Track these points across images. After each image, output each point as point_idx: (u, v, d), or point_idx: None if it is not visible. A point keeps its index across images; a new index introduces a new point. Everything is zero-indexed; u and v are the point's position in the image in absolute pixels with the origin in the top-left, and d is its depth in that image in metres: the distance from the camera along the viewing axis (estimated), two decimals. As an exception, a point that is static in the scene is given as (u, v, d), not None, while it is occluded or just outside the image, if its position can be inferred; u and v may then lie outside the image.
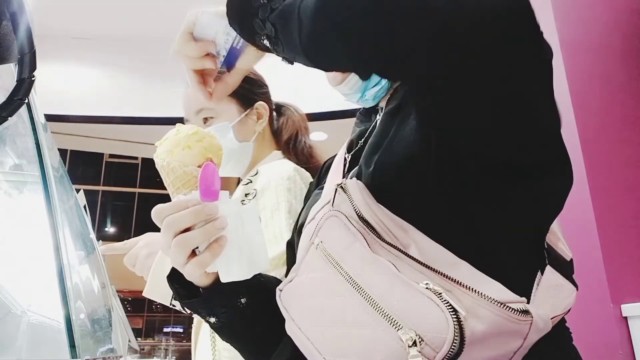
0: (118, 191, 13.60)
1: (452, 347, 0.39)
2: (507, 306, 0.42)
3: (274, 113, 1.17)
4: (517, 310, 0.42)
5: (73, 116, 4.29)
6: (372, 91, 0.69)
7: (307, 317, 0.52)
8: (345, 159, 0.72)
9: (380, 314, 0.43)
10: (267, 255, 0.61)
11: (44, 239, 1.02)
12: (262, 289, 0.64)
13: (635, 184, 1.57)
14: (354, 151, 0.71)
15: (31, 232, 1.07)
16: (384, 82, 0.68)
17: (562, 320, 0.56)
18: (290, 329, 0.54)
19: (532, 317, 0.43)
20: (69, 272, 1.01)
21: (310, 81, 4.14)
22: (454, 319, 0.40)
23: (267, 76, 1.12)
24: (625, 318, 1.40)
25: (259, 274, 0.64)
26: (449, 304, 0.41)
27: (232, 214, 0.59)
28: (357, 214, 0.52)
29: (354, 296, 0.46)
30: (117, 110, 4.36)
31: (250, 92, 1.08)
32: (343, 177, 0.68)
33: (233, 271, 0.58)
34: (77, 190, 1.74)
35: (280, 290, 0.59)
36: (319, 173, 0.85)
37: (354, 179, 0.58)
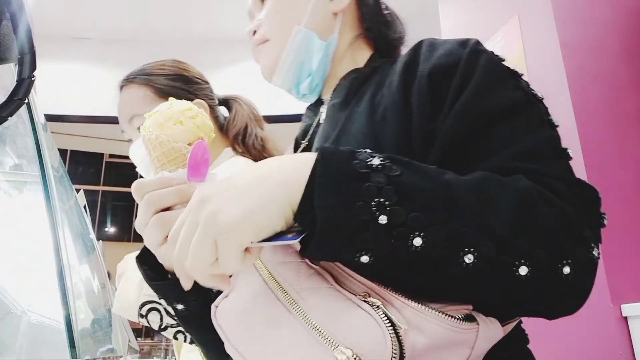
0: (118, 191, 13.59)
1: None
2: (451, 315, 0.39)
3: (220, 108, 1.11)
4: (461, 318, 0.39)
5: (73, 116, 4.30)
6: (306, 84, 0.69)
7: (243, 338, 0.48)
8: None
9: (316, 332, 0.40)
10: None
11: (44, 239, 1.02)
12: None
13: (635, 184, 1.57)
14: (299, 152, 0.70)
15: (31, 232, 1.07)
16: (316, 73, 0.68)
17: (518, 322, 0.54)
18: (228, 349, 0.50)
19: (478, 324, 0.40)
20: (69, 272, 1.01)
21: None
22: (391, 334, 0.37)
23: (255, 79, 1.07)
24: (625, 318, 1.40)
25: None
26: (386, 317, 0.38)
27: None
28: None
29: (289, 315, 0.43)
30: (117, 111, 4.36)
31: (183, 91, 1.02)
32: None
33: None
34: (77, 190, 1.74)
35: (216, 307, 0.53)
36: None
37: None
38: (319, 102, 0.73)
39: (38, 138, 1.16)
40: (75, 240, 1.32)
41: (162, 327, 0.75)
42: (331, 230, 0.38)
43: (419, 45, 0.59)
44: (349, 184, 0.38)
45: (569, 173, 0.48)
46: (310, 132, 0.71)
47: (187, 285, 0.46)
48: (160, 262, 0.56)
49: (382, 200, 0.38)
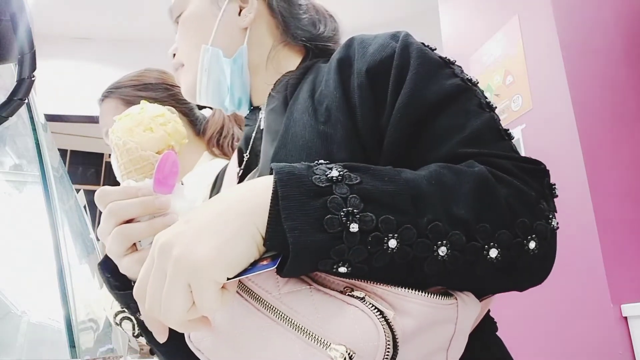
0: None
1: (387, 352, 0.36)
2: (431, 292, 0.40)
3: (202, 112, 1.10)
4: (441, 294, 0.41)
5: (73, 116, 4.29)
6: (228, 99, 0.69)
7: (226, 357, 0.46)
8: (238, 173, 0.69)
9: (306, 336, 0.39)
10: None
11: (44, 239, 1.02)
12: None
13: (635, 184, 1.57)
14: (243, 162, 0.70)
15: (31, 232, 1.07)
16: (236, 88, 0.68)
17: (487, 312, 0.54)
18: None
19: (456, 299, 0.41)
20: (69, 272, 1.01)
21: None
22: (382, 323, 0.37)
23: None
24: (625, 318, 1.40)
25: None
26: (374, 307, 0.38)
27: (186, 211, 0.53)
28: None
29: (275, 325, 0.42)
30: (117, 110, 4.36)
31: (150, 99, 1.03)
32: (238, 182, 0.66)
33: None
34: (77, 190, 1.74)
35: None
36: (212, 188, 0.80)
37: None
38: (256, 110, 0.72)
39: (38, 138, 1.16)
40: (75, 240, 1.32)
41: (136, 334, 0.74)
42: (305, 249, 0.37)
43: (350, 43, 0.60)
44: (313, 200, 0.38)
45: (513, 152, 0.49)
46: (252, 140, 0.70)
47: (161, 337, 0.44)
48: (122, 272, 0.54)
49: (349, 209, 0.38)
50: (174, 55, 0.73)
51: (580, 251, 1.53)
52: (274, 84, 0.67)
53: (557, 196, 0.48)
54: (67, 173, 1.56)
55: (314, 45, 0.70)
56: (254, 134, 0.70)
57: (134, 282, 0.53)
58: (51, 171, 1.13)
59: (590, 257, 1.49)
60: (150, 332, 0.55)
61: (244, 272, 0.39)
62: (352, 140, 0.52)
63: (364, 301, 0.39)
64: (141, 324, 0.59)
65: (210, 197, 0.79)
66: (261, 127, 0.68)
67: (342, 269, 0.39)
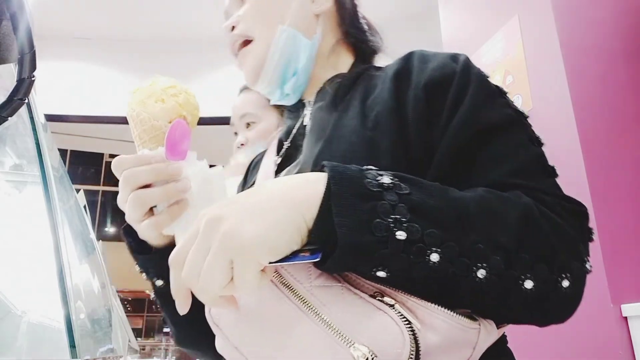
0: (118, 191, 13.59)
1: None
2: (459, 313, 0.40)
3: None
4: (467, 317, 0.41)
5: (73, 116, 4.29)
6: (291, 83, 0.68)
7: (247, 339, 0.47)
8: (275, 162, 0.70)
9: (331, 330, 0.40)
10: None
11: (44, 239, 1.02)
12: None
13: (635, 184, 1.57)
14: (282, 152, 0.70)
15: (31, 232, 1.07)
16: (301, 73, 0.68)
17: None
18: (222, 347, 0.49)
19: (479, 324, 0.41)
20: (69, 272, 1.01)
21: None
22: (409, 332, 0.38)
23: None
24: (625, 318, 1.40)
25: None
26: (403, 316, 0.39)
27: (197, 176, 0.55)
28: None
29: (302, 314, 0.43)
30: (117, 110, 4.36)
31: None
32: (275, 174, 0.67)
33: None
34: (77, 190, 1.74)
35: (209, 310, 0.52)
36: (246, 174, 0.82)
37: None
38: (299, 104, 0.73)
39: (38, 138, 1.16)
40: (75, 240, 1.32)
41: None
42: (351, 247, 0.38)
43: (410, 56, 0.61)
44: (364, 202, 0.39)
45: (558, 189, 0.51)
46: (294, 132, 0.71)
47: (183, 309, 0.44)
48: (141, 237, 0.57)
49: (397, 217, 0.38)
50: (232, 28, 0.71)
51: (580, 251, 1.52)
52: (324, 82, 0.68)
53: (592, 240, 0.49)
54: (67, 173, 1.56)
55: (363, 50, 0.72)
56: (296, 128, 0.71)
57: (154, 249, 0.58)
58: (51, 171, 1.13)
59: (590, 257, 1.49)
60: (167, 300, 0.58)
61: (285, 259, 0.39)
62: (398, 151, 0.52)
63: (394, 309, 0.39)
64: (159, 291, 0.61)
65: (245, 181, 0.80)
66: (304, 123, 0.69)
67: (381, 274, 0.40)
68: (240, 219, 0.38)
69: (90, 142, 5.71)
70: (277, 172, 0.68)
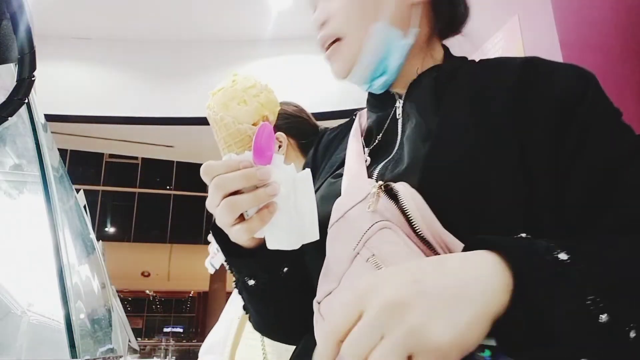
0: (118, 191, 13.59)
1: None
2: None
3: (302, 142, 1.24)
4: None
5: (73, 116, 4.29)
6: (380, 81, 0.65)
7: None
8: (364, 151, 0.66)
9: None
10: (317, 226, 0.54)
11: (44, 239, 1.02)
12: (305, 262, 0.62)
13: (635, 184, 1.57)
14: (373, 145, 0.66)
15: (31, 232, 1.07)
16: (391, 70, 0.64)
17: None
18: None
19: None
20: (69, 272, 1.01)
21: (304, 83, 4.15)
22: None
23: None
24: (625, 318, 1.40)
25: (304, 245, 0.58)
26: None
27: (286, 180, 0.54)
28: (414, 230, 0.48)
29: None
30: (117, 110, 4.36)
31: (281, 126, 1.19)
32: (368, 173, 0.62)
33: (281, 240, 0.54)
34: (77, 190, 1.74)
35: (319, 303, 0.55)
36: (315, 150, 0.78)
37: (403, 183, 0.52)
38: (386, 95, 0.68)
39: (38, 138, 1.16)
40: (75, 240, 1.32)
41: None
42: (565, 336, 0.36)
43: (531, 65, 0.58)
44: (561, 287, 0.37)
45: None
46: (385, 126, 0.66)
47: None
48: (232, 240, 0.57)
49: (593, 297, 0.36)
50: (322, 25, 0.67)
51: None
52: (419, 75, 0.64)
53: None
54: (67, 173, 1.56)
55: (447, 24, 0.68)
56: (388, 121, 0.66)
57: (244, 250, 0.59)
58: (51, 171, 1.13)
59: None
60: (255, 297, 0.63)
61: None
62: (516, 163, 0.50)
63: None
64: (250, 288, 0.62)
65: (315, 157, 0.76)
66: (397, 117, 0.65)
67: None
68: (431, 313, 0.34)
69: (90, 142, 5.70)
70: (371, 165, 0.64)
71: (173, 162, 10.71)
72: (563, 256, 0.38)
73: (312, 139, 1.15)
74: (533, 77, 0.55)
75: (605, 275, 0.39)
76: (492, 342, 0.36)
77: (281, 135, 1.18)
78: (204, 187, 0.71)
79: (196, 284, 13.85)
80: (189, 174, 12.54)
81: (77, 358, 0.89)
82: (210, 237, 1.08)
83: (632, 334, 0.36)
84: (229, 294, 1.38)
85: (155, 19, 4.29)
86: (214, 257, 1.26)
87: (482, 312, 0.35)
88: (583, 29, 1.73)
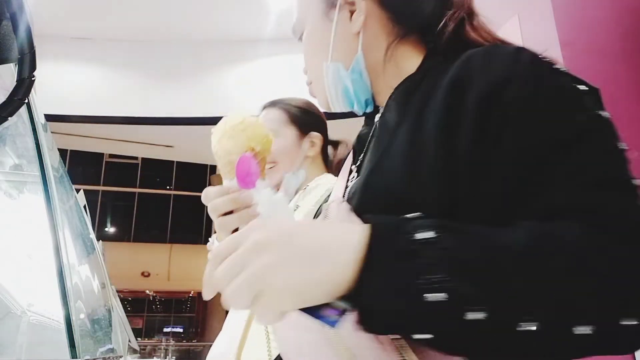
0: (118, 191, 13.59)
1: None
2: None
3: (329, 146, 1.34)
4: None
5: (73, 116, 4.30)
6: (357, 107, 0.68)
7: (293, 351, 0.52)
8: (351, 169, 0.70)
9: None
10: None
11: (44, 239, 1.02)
12: None
13: (635, 184, 1.57)
14: (358, 162, 0.69)
15: (31, 232, 1.07)
16: (359, 97, 0.67)
17: None
18: None
19: None
20: (69, 272, 1.01)
21: (304, 83, 4.13)
22: None
23: (261, 80, 1.14)
24: (625, 318, 1.40)
25: None
26: None
27: (265, 201, 0.63)
28: None
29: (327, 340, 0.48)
30: (117, 110, 4.36)
31: (308, 122, 1.28)
32: (346, 186, 0.67)
33: None
34: (77, 190, 1.74)
35: None
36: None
37: (335, 204, 0.57)
38: (376, 110, 0.70)
39: (38, 138, 1.16)
40: (75, 240, 1.32)
41: None
42: (385, 313, 0.39)
43: (468, 59, 0.54)
44: (403, 262, 0.39)
45: (636, 211, 0.44)
46: (367, 142, 0.69)
47: (208, 297, 0.48)
48: None
49: (439, 276, 0.38)
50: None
51: (580, 251, 1.52)
52: (395, 88, 0.63)
53: None
54: (67, 173, 1.56)
55: (434, 39, 0.63)
56: (368, 139, 0.69)
57: None
58: (51, 171, 1.13)
59: None
60: None
61: (307, 309, 0.41)
62: (449, 170, 0.49)
63: None
64: None
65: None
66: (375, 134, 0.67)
67: (425, 336, 0.39)
68: (281, 262, 0.39)
69: (90, 142, 5.71)
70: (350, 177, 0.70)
71: (173, 162, 10.70)
72: (427, 235, 0.39)
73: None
74: (467, 73, 0.52)
75: (462, 257, 0.39)
76: (344, 305, 0.40)
77: (316, 135, 1.25)
78: (204, 187, 0.74)
79: (196, 284, 13.83)
80: (189, 174, 12.54)
81: (77, 358, 0.89)
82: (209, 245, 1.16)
83: (480, 316, 0.37)
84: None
85: (155, 19, 4.29)
86: None
87: (327, 275, 0.39)
88: (583, 29, 1.73)
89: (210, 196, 0.67)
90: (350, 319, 0.40)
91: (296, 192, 1.25)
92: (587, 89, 0.51)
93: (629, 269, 0.40)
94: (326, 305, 0.40)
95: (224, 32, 4.36)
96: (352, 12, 0.65)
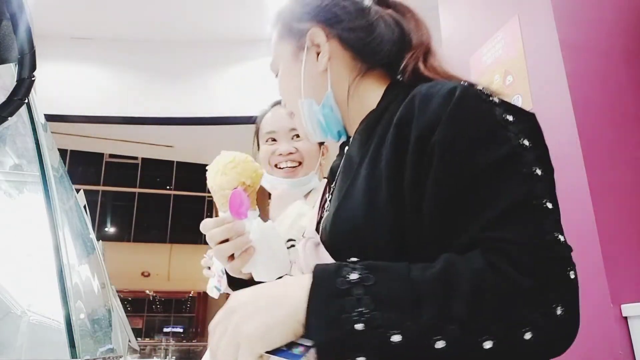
0: (118, 191, 13.59)
1: None
2: None
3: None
4: None
5: (73, 116, 4.29)
6: (329, 138, 0.76)
7: None
8: (326, 199, 0.76)
9: None
10: (288, 261, 0.78)
11: (44, 239, 1.02)
12: None
13: (635, 184, 1.57)
14: (332, 190, 0.73)
15: (31, 232, 1.07)
16: (331, 130, 0.73)
17: None
18: None
19: None
20: (69, 272, 1.01)
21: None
22: None
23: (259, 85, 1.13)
24: (625, 318, 1.40)
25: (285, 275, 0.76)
26: None
27: (256, 229, 0.76)
28: None
29: None
30: (117, 110, 4.36)
31: None
32: (321, 216, 0.74)
33: (261, 273, 0.77)
34: (77, 190, 1.74)
35: None
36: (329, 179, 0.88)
37: (304, 242, 0.67)
38: (349, 140, 0.74)
39: (38, 138, 1.16)
40: (75, 240, 1.32)
41: None
42: (326, 344, 0.46)
43: (413, 98, 0.58)
44: (336, 300, 0.47)
45: (537, 236, 0.49)
46: (337, 176, 0.74)
47: None
48: (230, 273, 0.83)
49: (362, 309, 0.46)
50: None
51: (580, 251, 1.52)
52: (360, 123, 0.69)
53: (571, 279, 0.49)
54: (67, 173, 1.56)
55: (395, 69, 0.68)
56: (339, 170, 0.74)
57: (244, 277, 0.83)
58: (51, 171, 1.13)
59: (590, 257, 1.49)
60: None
61: (278, 350, 0.49)
62: (397, 203, 0.56)
63: None
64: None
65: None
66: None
67: (362, 359, 0.46)
68: (248, 314, 0.49)
69: (90, 142, 5.71)
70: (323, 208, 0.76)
71: (173, 162, 10.71)
72: (354, 276, 0.48)
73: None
74: (411, 112, 0.57)
75: (383, 289, 0.47)
76: (305, 341, 0.48)
77: (325, 146, 1.28)
78: (204, 187, 0.75)
79: (196, 284, 13.83)
80: (189, 174, 12.53)
81: (77, 358, 0.89)
82: (214, 262, 1.32)
83: (397, 338, 0.45)
84: (229, 294, 1.39)
85: (155, 19, 4.28)
86: (219, 280, 1.29)
87: (284, 317, 0.48)
88: (583, 29, 1.73)
89: (208, 227, 0.77)
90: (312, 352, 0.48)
91: (306, 196, 1.24)
92: (514, 119, 0.54)
93: (525, 291, 0.46)
94: (293, 343, 0.48)
95: (224, 32, 4.36)
96: (318, 54, 0.71)
